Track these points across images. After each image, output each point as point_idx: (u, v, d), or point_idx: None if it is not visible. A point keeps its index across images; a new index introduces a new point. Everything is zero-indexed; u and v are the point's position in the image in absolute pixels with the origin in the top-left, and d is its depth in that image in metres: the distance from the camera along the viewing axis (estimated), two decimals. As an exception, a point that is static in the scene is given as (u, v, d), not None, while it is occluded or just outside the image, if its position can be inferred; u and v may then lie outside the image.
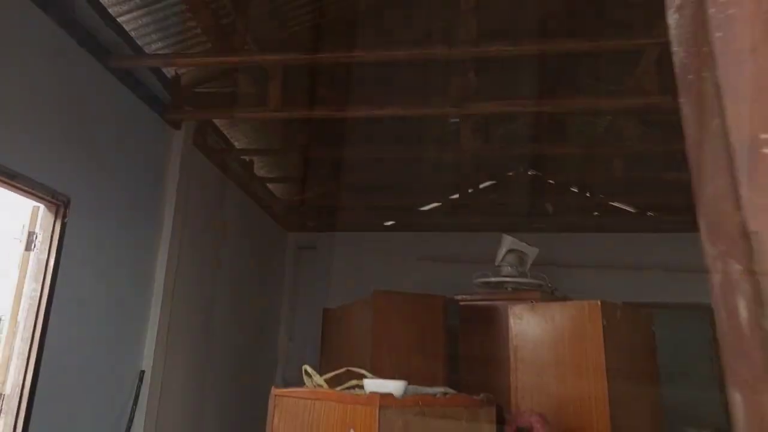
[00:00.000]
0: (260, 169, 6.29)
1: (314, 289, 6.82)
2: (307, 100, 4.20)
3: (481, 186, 6.13)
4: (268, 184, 6.17)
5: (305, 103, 4.05)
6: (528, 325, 3.24)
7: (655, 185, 7.91)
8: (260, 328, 6.19)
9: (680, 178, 5.05)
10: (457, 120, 4.16)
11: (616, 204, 6.66)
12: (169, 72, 4.29)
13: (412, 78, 5.82)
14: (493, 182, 5.78)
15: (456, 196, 6.16)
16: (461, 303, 4.02)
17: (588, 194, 5.97)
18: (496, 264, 4.06)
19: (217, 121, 5.22)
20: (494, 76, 6.16)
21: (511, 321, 3.28)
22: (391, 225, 7.19)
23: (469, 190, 5.96)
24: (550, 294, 3.79)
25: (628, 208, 9.49)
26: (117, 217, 3.52)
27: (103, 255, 3.37)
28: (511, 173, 5.75)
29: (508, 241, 4.01)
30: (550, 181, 6.41)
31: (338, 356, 4.32)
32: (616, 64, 3.94)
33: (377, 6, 4.44)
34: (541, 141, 4.62)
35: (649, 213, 6.41)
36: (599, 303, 2.93)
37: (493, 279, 3.96)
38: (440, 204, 6.14)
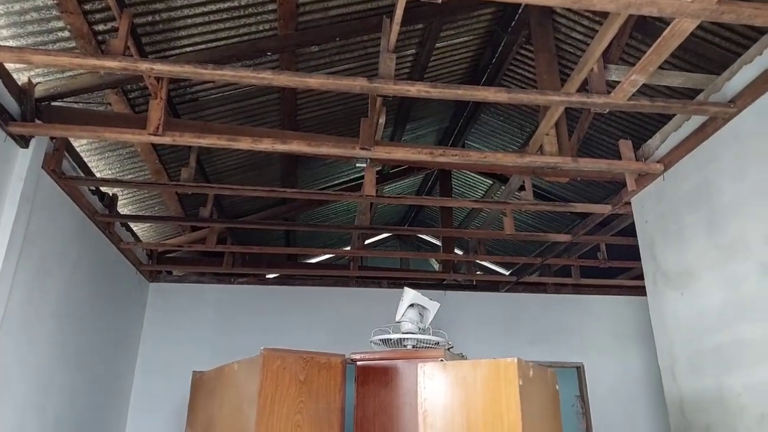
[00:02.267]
0: (125, 206, 5.47)
1: (180, 349, 5.94)
2: (197, 127, 3.69)
3: (378, 238, 5.93)
4: (132, 224, 5.36)
5: (194, 129, 3.54)
6: (438, 387, 2.93)
7: (541, 246, 8.35)
8: (105, 395, 5.15)
9: (562, 241, 5.29)
10: (364, 164, 3.91)
11: (494, 262, 6.83)
12: (20, 77, 3.55)
13: (321, 113, 5.55)
14: (389, 234, 5.61)
15: (348, 248, 5.85)
16: (358, 363, 3.63)
17: (475, 252, 6.00)
18: (397, 320, 3.78)
19: (79, 146, 4.44)
20: (404, 121, 6.12)
21: (421, 382, 2.96)
22: (277, 278, 6.64)
23: (366, 241, 5.69)
24: (450, 352, 3.58)
25: (501, 270, 9.83)
26: None
27: None
28: (406, 226, 5.59)
29: (410, 295, 3.77)
30: (434, 240, 6.42)
31: (210, 429, 3.62)
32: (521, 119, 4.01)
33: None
34: (440, 193, 4.52)
35: (531, 274, 6.60)
36: (515, 361, 2.73)
37: (393, 336, 3.65)
38: (333, 255, 5.76)
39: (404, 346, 3.76)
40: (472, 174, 8.30)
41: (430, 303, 3.89)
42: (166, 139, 3.36)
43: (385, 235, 10.01)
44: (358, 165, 3.97)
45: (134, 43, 3.53)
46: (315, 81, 2.85)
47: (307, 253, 7.73)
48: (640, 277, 7.38)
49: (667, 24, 2.48)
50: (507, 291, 6.99)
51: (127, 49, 3.01)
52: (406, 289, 3.87)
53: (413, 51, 5.20)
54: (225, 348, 6.00)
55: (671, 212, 3.71)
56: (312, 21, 4.33)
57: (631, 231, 5.86)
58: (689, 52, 4.32)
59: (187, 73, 2.86)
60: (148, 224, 6.14)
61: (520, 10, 5.07)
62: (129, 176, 5.13)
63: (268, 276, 7.02)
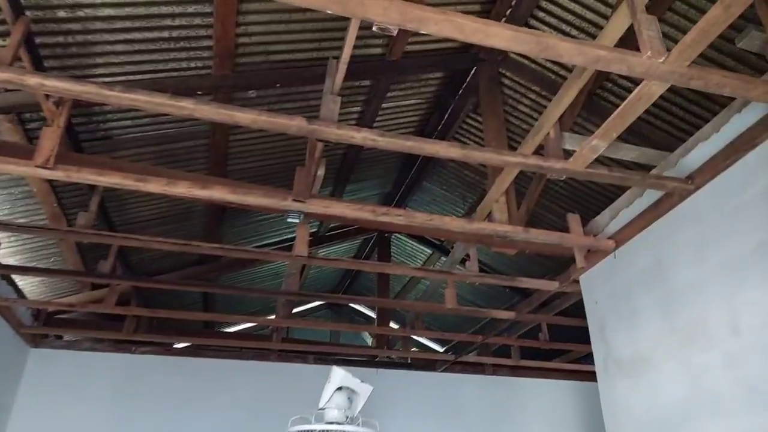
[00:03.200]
0: (11, 256, 4.67)
1: (62, 428, 4.96)
2: (99, 164, 3.15)
3: (307, 306, 5.36)
4: (14, 276, 4.55)
5: (96, 165, 2.99)
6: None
7: (478, 323, 7.99)
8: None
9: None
10: (297, 219, 3.46)
11: (432, 339, 6.40)
12: None
13: (254, 165, 5.06)
14: (321, 302, 5.07)
15: (273, 317, 5.25)
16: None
17: (412, 326, 5.56)
18: (321, 406, 3.19)
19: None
20: (344, 181, 5.73)
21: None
22: (187, 347, 5.87)
23: (294, 310, 5.12)
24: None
25: (436, 347, 9.36)
26: None
27: None
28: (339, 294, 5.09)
29: (338, 377, 3.20)
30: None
31: None
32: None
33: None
34: (378, 260, 4.11)
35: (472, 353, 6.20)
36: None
37: (316, 427, 3.05)
38: (254, 325, 5.13)
39: (327, 437, 3.18)
40: (412, 242, 8.01)
41: (362, 386, 3.37)
42: (58, 174, 2.79)
43: (316, 303, 9.39)
44: (289, 220, 3.51)
45: (33, 62, 3.03)
46: (245, 116, 2.44)
47: (224, 320, 7.00)
48: (580, 360, 7.26)
49: (616, 104, 2.30)
50: (444, 370, 6.53)
51: (17, 60, 2.51)
52: (335, 368, 3.34)
53: (359, 108, 4.95)
54: (117, 427, 5.11)
55: (623, 293, 3.47)
56: (251, 63, 3.99)
57: (574, 311, 5.67)
58: (633, 133, 4.31)
59: (89, 94, 2.38)
60: (39, 278, 5.30)
61: (469, 78, 5.00)
62: (21, 220, 4.40)
63: (176, 345, 6.21)
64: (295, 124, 2.50)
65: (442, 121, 5.48)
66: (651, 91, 2.24)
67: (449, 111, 5.31)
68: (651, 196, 3.31)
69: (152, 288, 5.62)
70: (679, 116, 4.19)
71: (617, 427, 3.35)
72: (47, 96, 2.84)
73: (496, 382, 6.62)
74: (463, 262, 4.49)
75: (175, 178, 3.03)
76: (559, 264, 6.50)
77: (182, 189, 2.95)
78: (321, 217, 3.59)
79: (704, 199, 2.86)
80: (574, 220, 3.75)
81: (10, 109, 3.37)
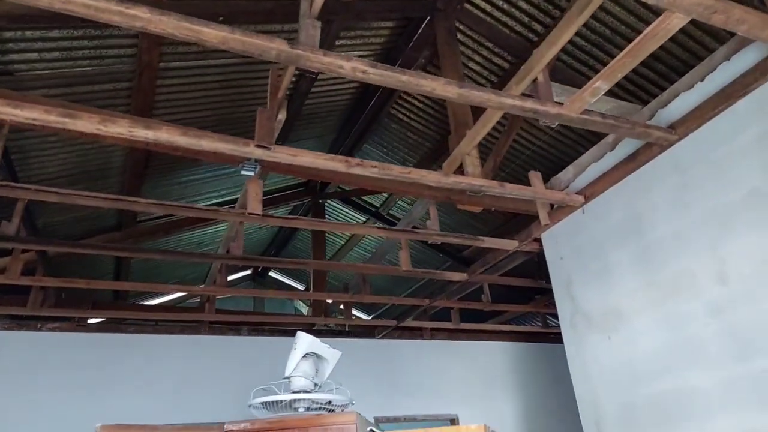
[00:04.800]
0: None
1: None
2: (13, 97, 2.52)
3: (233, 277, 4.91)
4: None
5: (9, 97, 2.38)
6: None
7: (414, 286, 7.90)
8: None
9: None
10: (251, 171, 3.04)
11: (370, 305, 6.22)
12: None
13: (186, 116, 4.47)
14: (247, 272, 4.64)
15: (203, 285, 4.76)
16: (234, 438, 2.65)
17: (358, 291, 5.31)
18: (287, 374, 2.86)
19: None
20: (284, 136, 5.25)
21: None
22: (103, 323, 5.22)
23: (235, 276, 4.65)
24: (362, 416, 2.79)
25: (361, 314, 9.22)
26: None
27: None
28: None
29: (305, 342, 2.88)
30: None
31: None
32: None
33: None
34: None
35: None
36: (483, 428, 2.07)
37: (286, 397, 2.72)
38: (176, 297, 4.62)
39: (295, 409, 2.87)
40: (346, 208, 7.71)
41: (330, 351, 3.08)
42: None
43: (240, 274, 8.85)
44: (244, 172, 3.09)
45: None
46: (214, 33, 2.00)
47: (150, 290, 6.33)
48: (513, 321, 7.44)
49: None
50: (383, 337, 6.38)
51: None
52: (301, 333, 3.01)
53: (305, 55, 4.51)
54: (24, 418, 4.43)
55: (592, 248, 3.44)
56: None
57: (520, 271, 5.72)
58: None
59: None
60: None
61: (421, 28, 4.72)
62: None
63: (90, 321, 5.51)
64: (275, 46, 2.10)
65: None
66: (671, 24, 2.10)
67: (398, 64, 5.00)
68: (623, 149, 3.27)
69: (62, 256, 4.90)
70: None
71: (587, 382, 3.35)
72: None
73: (434, 347, 6.60)
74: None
75: (111, 116, 2.50)
76: (491, 227, 6.55)
77: (121, 129, 2.45)
78: (282, 170, 3.19)
79: (687, 149, 2.84)
80: (535, 177, 3.65)
81: None
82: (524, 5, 4.39)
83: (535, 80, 2.79)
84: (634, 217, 3.14)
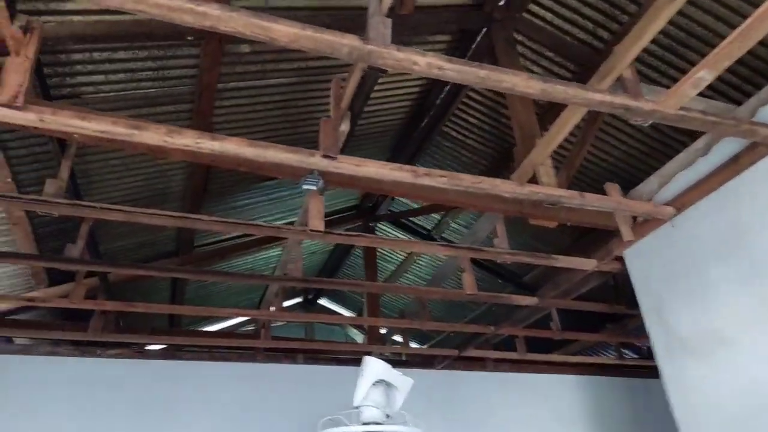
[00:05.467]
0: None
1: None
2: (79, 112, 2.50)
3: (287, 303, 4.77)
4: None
5: (76, 111, 2.35)
6: None
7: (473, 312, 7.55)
8: None
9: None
10: (314, 185, 2.90)
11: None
12: None
13: (240, 129, 4.46)
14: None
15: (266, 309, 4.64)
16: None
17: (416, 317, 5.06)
18: (357, 404, 2.63)
19: None
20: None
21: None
22: (163, 350, 5.16)
23: (284, 303, 4.52)
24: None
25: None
26: None
27: None
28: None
29: (375, 369, 2.64)
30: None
31: None
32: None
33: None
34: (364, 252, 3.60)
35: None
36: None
37: (357, 429, 2.50)
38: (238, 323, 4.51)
39: (365, 441, 2.64)
40: (396, 232, 7.53)
41: (401, 379, 2.85)
42: (30, 117, 2.15)
43: (292, 301, 8.77)
44: (305, 187, 2.95)
45: None
46: (285, 30, 1.89)
47: (209, 314, 6.29)
48: (582, 352, 6.95)
49: None
50: (443, 368, 6.06)
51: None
52: (369, 359, 2.80)
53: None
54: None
55: (686, 265, 3.11)
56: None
57: (589, 296, 5.34)
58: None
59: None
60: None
61: (477, 40, 4.57)
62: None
63: (148, 347, 5.48)
64: (347, 42, 1.97)
65: (443, 93, 5.07)
66: (794, -1, 1.85)
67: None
68: (719, 153, 2.96)
69: (121, 283, 4.91)
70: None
71: (693, 417, 2.96)
72: (11, 17, 2.20)
73: (499, 379, 6.20)
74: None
75: (176, 128, 2.43)
76: (554, 249, 6.19)
77: (187, 140, 2.36)
78: (344, 183, 3.05)
79: (801, 148, 2.52)
80: (613, 189, 3.36)
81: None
82: (589, 11, 4.18)
83: (619, 78, 2.56)
84: (736, 228, 2.81)
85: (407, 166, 2.74)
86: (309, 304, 10.37)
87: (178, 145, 2.36)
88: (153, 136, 2.31)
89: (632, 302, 5.20)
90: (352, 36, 1.98)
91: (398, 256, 8.26)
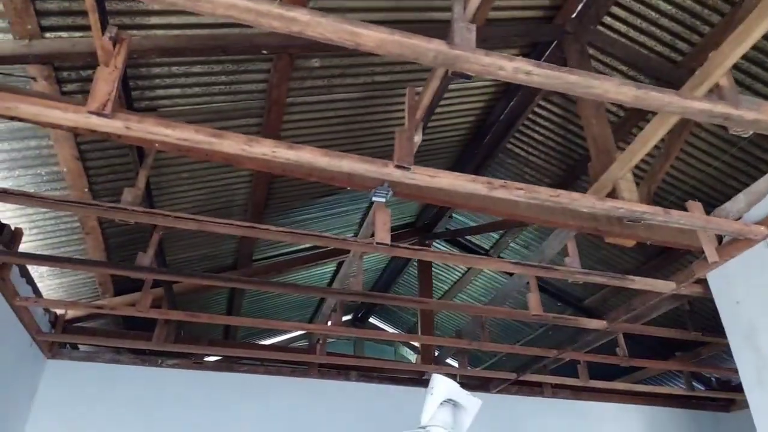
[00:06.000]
0: (31, 250, 4.05)
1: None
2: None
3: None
4: (33, 271, 3.92)
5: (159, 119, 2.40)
6: None
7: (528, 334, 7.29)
8: None
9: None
10: (383, 197, 2.86)
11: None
12: None
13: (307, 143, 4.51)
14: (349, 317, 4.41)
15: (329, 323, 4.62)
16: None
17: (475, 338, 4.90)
18: (424, 424, 2.54)
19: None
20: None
21: None
22: (217, 361, 5.21)
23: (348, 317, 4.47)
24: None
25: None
26: None
27: None
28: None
29: (444, 387, 2.55)
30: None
31: None
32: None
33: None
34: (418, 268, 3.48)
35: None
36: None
37: (427, 449, 2.42)
38: (299, 334, 4.48)
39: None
40: (453, 251, 7.40)
41: (470, 400, 2.73)
42: (116, 124, 2.20)
43: (343, 318, 8.72)
44: (375, 198, 2.91)
45: None
46: (373, 35, 1.86)
47: (269, 326, 6.33)
48: (647, 381, 6.57)
49: None
50: (498, 392, 5.84)
51: None
52: (438, 377, 2.70)
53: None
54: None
55: (783, 288, 2.86)
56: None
57: (664, 321, 5.05)
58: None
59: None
60: (58, 281, 4.66)
61: (548, 52, 4.46)
62: (42, 209, 3.80)
63: (206, 358, 5.54)
64: (433, 47, 1.92)
65: (509, 106, 4.98)
66: None
67: (522, 91, 4.76)
68: (822, 169, 2.73)
69: (183, 295, 5.01)
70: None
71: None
72: (102, 30, 2.28)
73: (559, 406, 5.92)
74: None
75: (254, 137, 2.44)
76: (620, 271, 5.90)
77: (265, 149, 2.36)
78: (414, 195, 2.99)
79: None
80: (695, 207, 3.15)
81: (48, 59, 2.80)
82: (667, 23, 4.02)
83: (715, 86, 2.41)
84: None
85: (482, 178, 2.65)
86: (359, 322, 10.33)
87: (256, 153, 2.36)
88: (232, 144, 2.32)
89: (708, 328, 4.90)
90: (438, 41, 1.93)
91: (452, 276, 8.12)
